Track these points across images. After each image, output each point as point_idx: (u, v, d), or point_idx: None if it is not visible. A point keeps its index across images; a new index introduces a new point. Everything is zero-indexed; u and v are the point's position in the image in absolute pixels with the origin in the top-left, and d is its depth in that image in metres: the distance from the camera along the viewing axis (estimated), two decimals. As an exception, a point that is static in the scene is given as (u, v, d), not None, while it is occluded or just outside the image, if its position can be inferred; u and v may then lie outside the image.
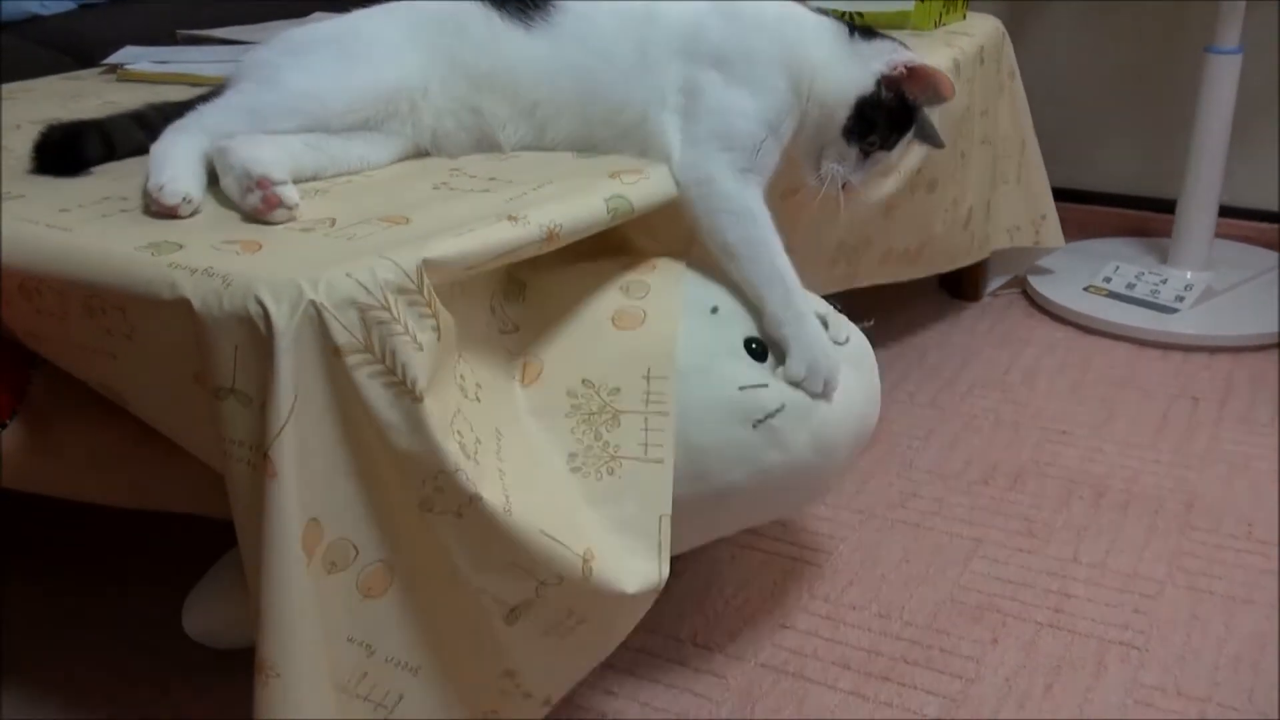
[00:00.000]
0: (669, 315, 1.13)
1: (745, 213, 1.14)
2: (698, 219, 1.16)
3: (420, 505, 0.91)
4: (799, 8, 1.25)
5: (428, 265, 0.90)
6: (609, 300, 1.14)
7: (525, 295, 1.13)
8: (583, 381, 1.09)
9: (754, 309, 1.15)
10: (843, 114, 1.18)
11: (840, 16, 1.31)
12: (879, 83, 1.18)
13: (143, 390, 1.00)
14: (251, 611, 0.93)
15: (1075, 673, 1.30)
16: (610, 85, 1.18)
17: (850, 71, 1.19)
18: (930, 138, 1.29)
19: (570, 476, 1.06)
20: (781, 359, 1.14)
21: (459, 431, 0.92)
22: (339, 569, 0.91)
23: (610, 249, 1.21)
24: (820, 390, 1.13)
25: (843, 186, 1.22)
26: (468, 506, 0.91)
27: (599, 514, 1.05)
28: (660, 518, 1.06)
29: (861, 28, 1.23)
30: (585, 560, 0.99)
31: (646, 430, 1.09)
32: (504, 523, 0.93)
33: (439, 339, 0.91)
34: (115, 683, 1.33)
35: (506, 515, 0.93)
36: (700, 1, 1.24)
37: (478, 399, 1.00)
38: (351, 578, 0.92)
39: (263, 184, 1.00)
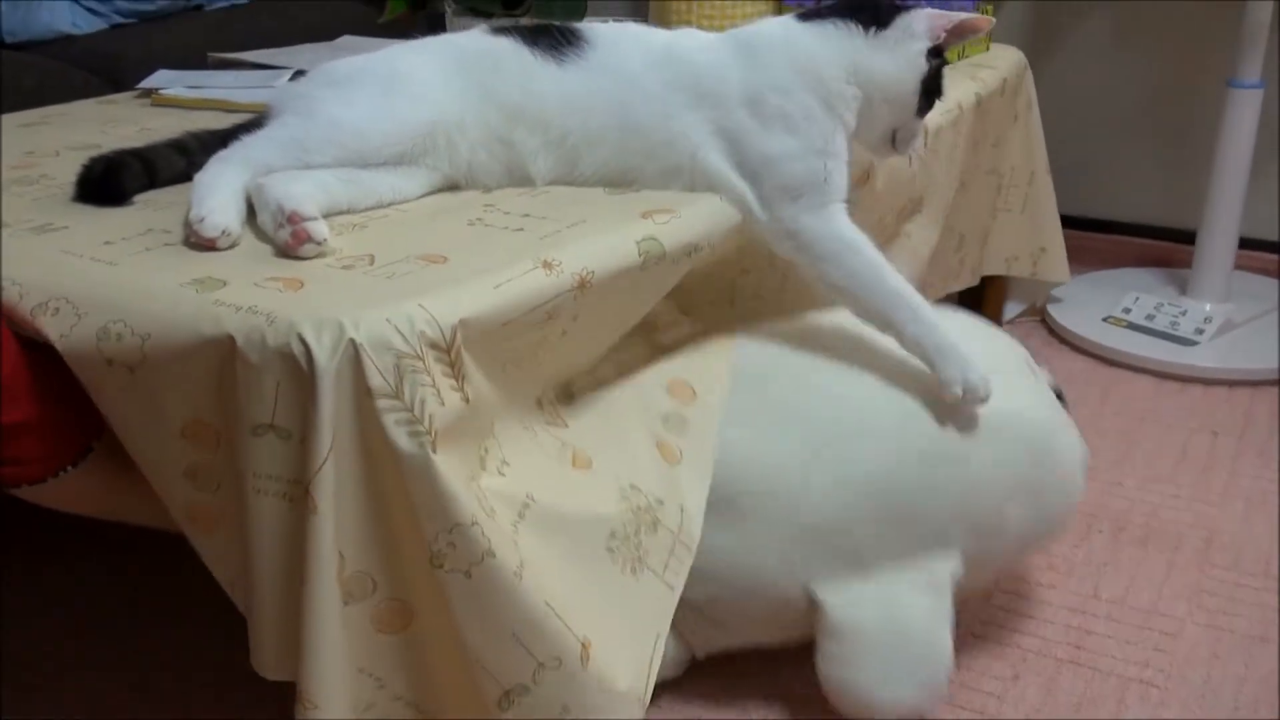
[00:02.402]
0: (703, 461, 1.18)
1: (845, 249, 1.18)
2: (802, 272, 1.20)
3: (431, 561, 0.90)
4: (795, 26, 1.24)
5: (463, 325, 0.92)
6: (652, 427, 1.17)
7: (574, 400, 1.15)
8: (631, 485, 1.10)
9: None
10: (913, 101, 1.23)
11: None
12: (929, 58, 1.22)
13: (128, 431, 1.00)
14: (274, 642, 0.94)
15: (1096, 710, 1.31)
16: (648, 120, 1.19)
17: (902, 63, 1.21)
18: None
19: (603, 555, 1.05)
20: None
21: (477, 497, 0.93)
22: (355, 600, 0.92)
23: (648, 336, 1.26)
24: (984, 392, 1.17)
25: (919, 149, 1.31)
26: (478, 565, 0.90)
27: (609, 607, 1.03)
28: (656, 636, 1.07)
29: (871, 10, 1.22)
30: (584, 646, 0.97)
31: (672, 555, 1.11)
32: (511, 586, 0.92)
33: (466, 403, 0.92)
34: (138, 703, 1.35)
35: (516, 579, 0.93)
36: (708, 35, 1.26)
37: (500, 473, 0.99)
38: (366, 610, 0.93)
39: (293, 219, 1.01)
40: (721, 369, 1.25)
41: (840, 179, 1.19)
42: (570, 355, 1.11)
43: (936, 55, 1.22)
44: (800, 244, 1.18)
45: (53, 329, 0.96)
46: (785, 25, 1.24)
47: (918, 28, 1.21)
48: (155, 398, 0.95)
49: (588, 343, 1.12)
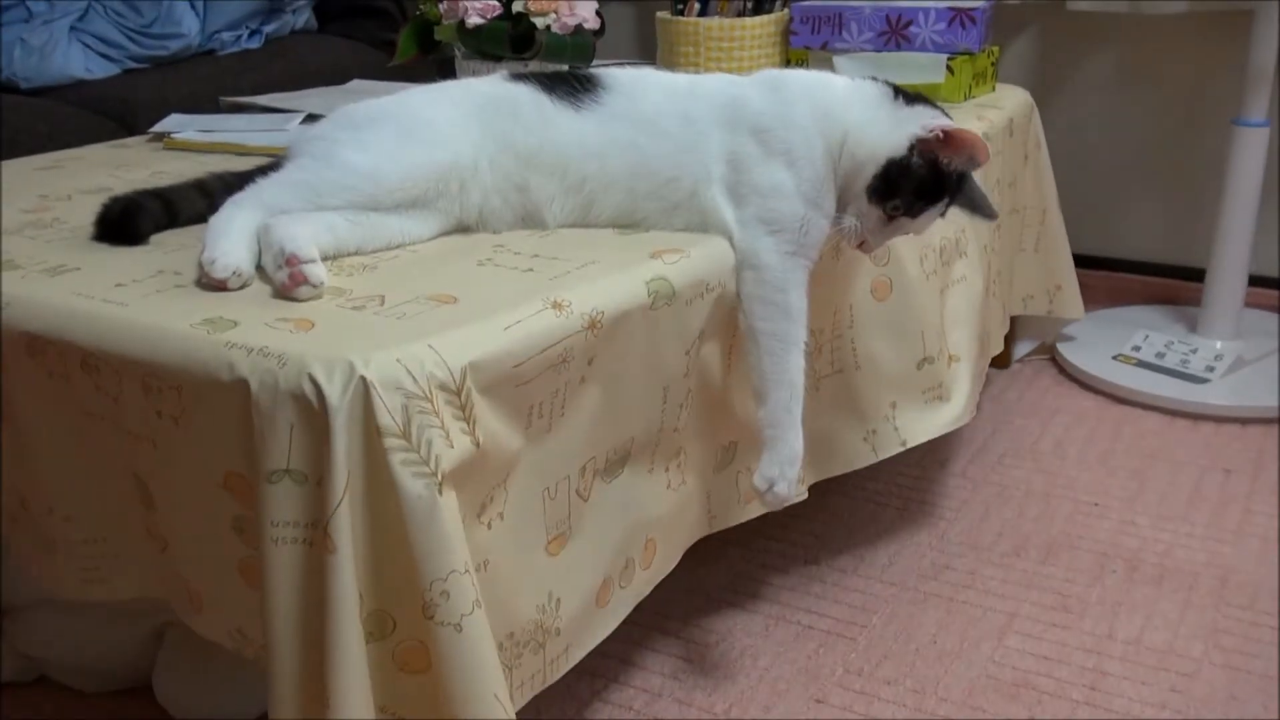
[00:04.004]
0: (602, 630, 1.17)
1: (783, 306, 1.19)
2: (740, 298, 1.20)
3: (424, 611, 0.90)
4: (832, 75, 1.27)
5: (474, 367, 0.92)
6: (618, 559, 1.16)
7: (614, 478, 1.14)
8: (558, 600, 1.08)
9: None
10: (870, 171, 1.18)
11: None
12: (912, 147, 1.18)
13: (170, 488, 1.01)
14: (296, 697, 0.93)
15: (1113, 753, 1.29)
16: (658, 160, 1.21)
17: (885, 131, 1.19)
18: (980, 208, 1.28)
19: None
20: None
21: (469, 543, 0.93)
22: (375, 639, 0.92)
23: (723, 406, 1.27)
24: (774, 504, 1.21)
25: (859, 244, 1.23)
26: (469, 616, 0.90)
27: None
28: None
29: (906, 92, 1.23)
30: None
31: (528, 683, 1.06)
32: (491, 642, 0.92)
33: (476, 447, 0.92)
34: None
35: (490, 633, 0.92)
36: (738, 75, 1.28)
37: (488, 525, 0.99)
38: (388, 648, 0.93)
39: (291, 261, 1.02)
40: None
41: (816, 235, 1.20)
42: (606, 410, 1.09)
43: (925, 156, 1.17)
44: (759, 278, 1.19)
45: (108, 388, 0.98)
46: (822, 74, 1.27)
47: (925, 121, 1.18)
48: (199, 448, 0.96)
49: (618, 395, 1.10)
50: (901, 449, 1.52)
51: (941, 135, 1.17)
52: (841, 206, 1.22)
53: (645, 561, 1.20)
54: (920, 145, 1.18)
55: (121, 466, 1.05)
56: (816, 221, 1.20)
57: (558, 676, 1.09)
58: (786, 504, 1.21)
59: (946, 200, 1.23)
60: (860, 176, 1.19)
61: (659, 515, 1.21)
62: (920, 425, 1.53)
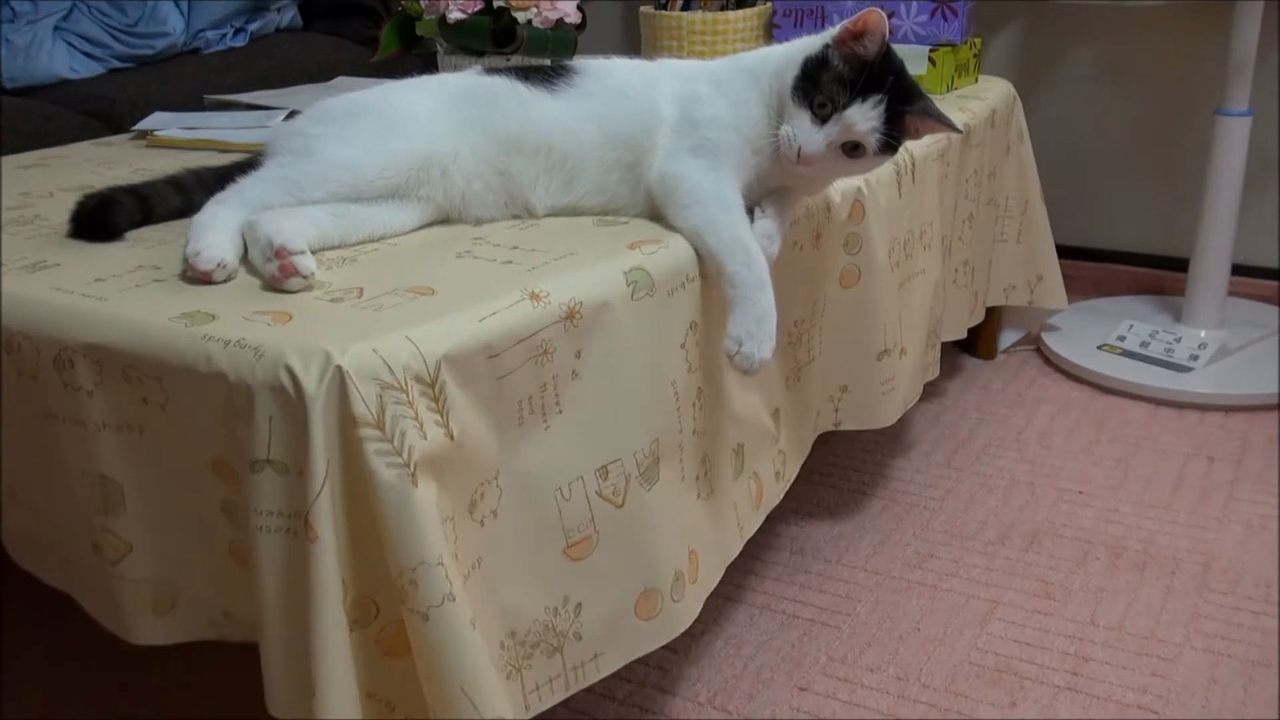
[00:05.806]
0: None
1: (712, 198, 1.18)
2: (668, 216, 1.20)
3: (400, 597, 0.90)
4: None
5: (449, 359, 0.92)
6: (663, 573, 1.14)
7: (654, 485, 1.12)
8: (576, 604, 1.07)
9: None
10: (791, 74, 1.18)
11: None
12: (827, 45, 1.18)
13: (155, 475, 1.01)
14: (285, 681, 0.93)
15: (1094, 737, 1.30)
16: (621, 124, 1.23)
17: (806, 44, 1.21)
18: (940, 119, 1.21)
19: (495, 649, 1.01)
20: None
21: (447, 537, 0.93)
22: (360, 625, 0.92)
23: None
24: (746, 366, 1.12)
25: (798, 157, 1.17)
26: (437, 609, 0.90)
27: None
28: None
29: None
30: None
31: (547, 685, 1.06)
32: (466, 637, 0.91)
33: (450, 439, 0.92)
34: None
35: (471, 628, 0.92)
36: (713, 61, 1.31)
37: (480, 523, 0.99)
38: (372, 634, 0.93)
39: (281, 253, 1.03)
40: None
41: (740, 162, 1.20)
42: (612, 407, 1.09)
43: (846, 60, 1.16)
44: (675, 188, 1.18)
45: (81, 383, 0.98)
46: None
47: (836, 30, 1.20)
48: (185, 434, 0.96)
49: (622, 392, 1.09)
50: (833, 428, 1.55)
51: (846, 34, 1.17)
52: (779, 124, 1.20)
53: (692, 574, 1.18)
54: (835, 42, 1.18)
55: (84, 470, 1.03)
56: (741, 152, 1.20)
57: (586, 684, 1.08)
58: (761, 365, 1.12)
59: (880, 98, 1.16)
60: (786, 85, 1.19)
61: (695, 525, 1.21)
62: (862, 415, 1.56)
